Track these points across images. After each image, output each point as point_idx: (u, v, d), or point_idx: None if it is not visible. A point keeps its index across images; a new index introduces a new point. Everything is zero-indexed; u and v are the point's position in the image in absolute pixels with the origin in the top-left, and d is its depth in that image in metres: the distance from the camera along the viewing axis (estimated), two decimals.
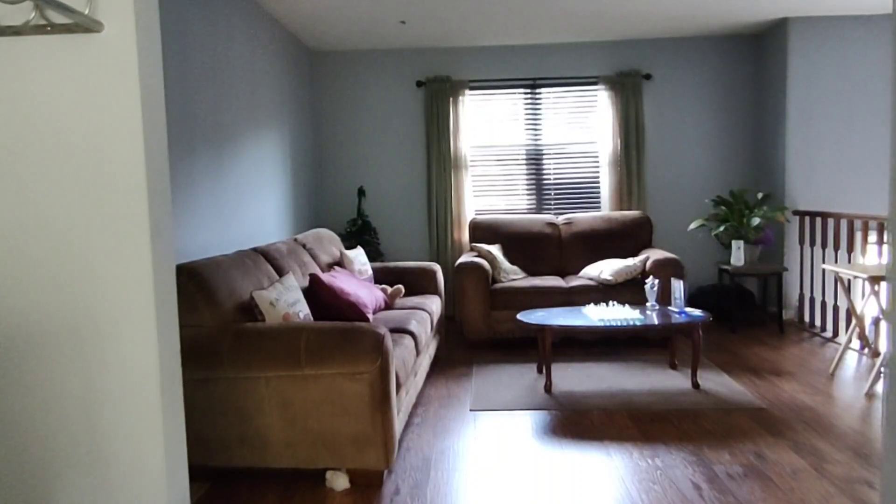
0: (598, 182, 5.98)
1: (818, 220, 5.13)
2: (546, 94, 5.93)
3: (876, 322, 4.37)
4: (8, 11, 1.62)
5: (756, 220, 5.13)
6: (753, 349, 4.70)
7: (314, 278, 3.55)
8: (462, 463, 2.93)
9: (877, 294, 3.92)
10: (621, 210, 5.83)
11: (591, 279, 4.95)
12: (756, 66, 5.86)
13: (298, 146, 5.49)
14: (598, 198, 5.98)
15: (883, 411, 1.60)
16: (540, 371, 4.24)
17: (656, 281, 4.20)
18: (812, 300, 5.23)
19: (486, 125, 5.99)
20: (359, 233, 5.78)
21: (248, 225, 4.32)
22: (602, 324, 3.81)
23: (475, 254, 5.23)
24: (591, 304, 4.23)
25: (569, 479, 2.76)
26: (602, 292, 4.72)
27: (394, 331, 3.48)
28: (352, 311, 3.49)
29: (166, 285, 1.79)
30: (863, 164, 5.34)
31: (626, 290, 4.73)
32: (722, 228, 5.32)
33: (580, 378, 4.07)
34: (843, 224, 4.85)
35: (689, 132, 5.95)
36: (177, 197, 3.29)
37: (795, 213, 5.38)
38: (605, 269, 4.91)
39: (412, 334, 3.50)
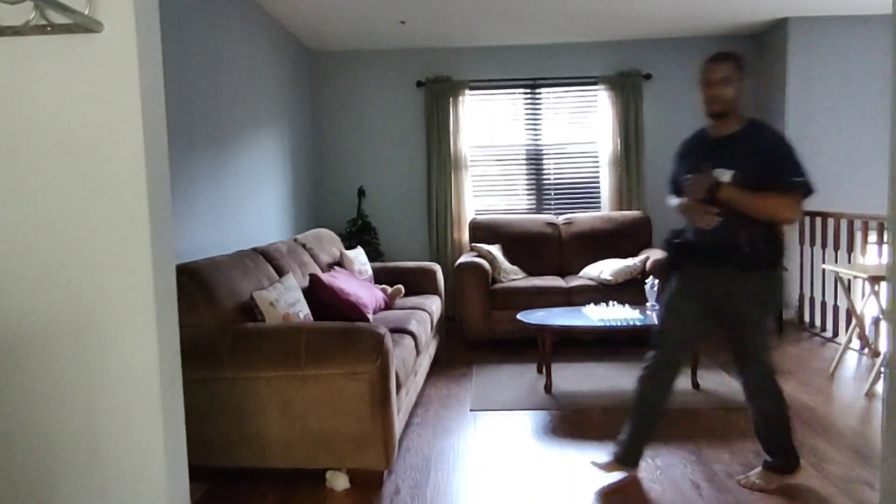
0: (598, 182, 5.98)
1: (818, 219, 5.13)
2: (546, 94, 5.93)
3: (876, 322, 4.37)
4: (8, 11, 1.61)
5: None
6: None
7: (314, 278, 3.55)
8: (462, 463, 2.93)
9: (877, 294, 3.92)
10: (621, 210, 5.83)
11: (591, 279, 4.95)
12: (756, 65, 5.85)
13: (298, 146, 5.49)
14: (598, 198, 5.98)
15: (883, 411, 1.60)
16: (540, 371, 4.24)
17: (656, 281, 4.19)
18: (812, 300, 5.23)
19: (486, 125, 5.99)
20: (359, 233, 5.78)
21: (248, 225, 4.32)
22: (602, 324, 3.81)
23: (475, 254, 5.23)
24: (591, 304, 4.23)
25: (569, 478, 2.76)
26: (602, 292, 4.72)
27: (394, 331, 3.47)
28: (352, 311, 3.49)
29: (166, 285, 1.79)
30: (862, 164, 5.34)
31: (626, 289, 4.72)
32: None
33: (580, 378, 4.07)
34: (843, 224, 4.84)
35: (688, 132, 5.92)
36: (177, 197, 3.29)
37: None
38: (605, 269, 4.91)
39: (412, 334, 3.50)
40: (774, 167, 2.35)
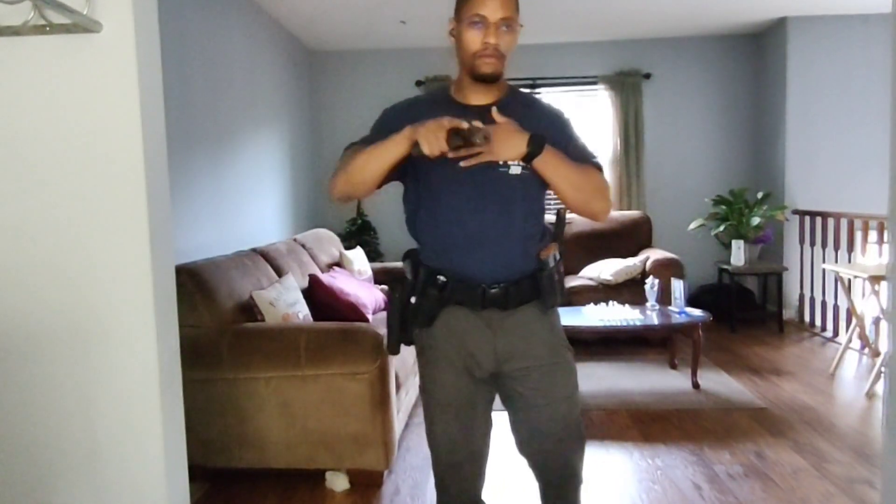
0: None
1: (818, 219, 5.13)
2: (546, 93, 5.92)
3: (876, 322, 4.36)
4: (7, 11, 1.61)
5: (756, 220, 5.13)
6: (753, 349, 4.70)
7: (314, 279, 3.55)
8: None
9: (877, 294, 3.91)
10: (621, 210, 5.82)
11: (591, 279, 4.95)
12: (755, 65, 5.85)
13: (298, 146, 5.49)
14: None
15: (883, 411, 1.60)
16: None
17: (656, 281, 4.19)
18: (812, 300, 5.23)
19: None
20: (358, 233, 5.77)
21: (247, 225, 4.31)
22: (602, 324, 3.81)
23: None
24: (592, 305, 4.23)
25: None
26: (602, 292, 4.71)
27: None
28: (351, 311, 3.49)
29: (166, 286, 1.79)
30: (862, 164, 5.33)
31: (627, 290, 4.72)
32: (722, 228, 5.32)
33: (580, 378, 4.05)
34: (843, 223, 4.84)
35: (688, 131, 5.94)
36: (176, 197, 3.27)
37: (795, 212, 5.38)
38: (605, 269, 4.91)
39: None
40: (570, 146, 1.57)
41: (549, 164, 1.47)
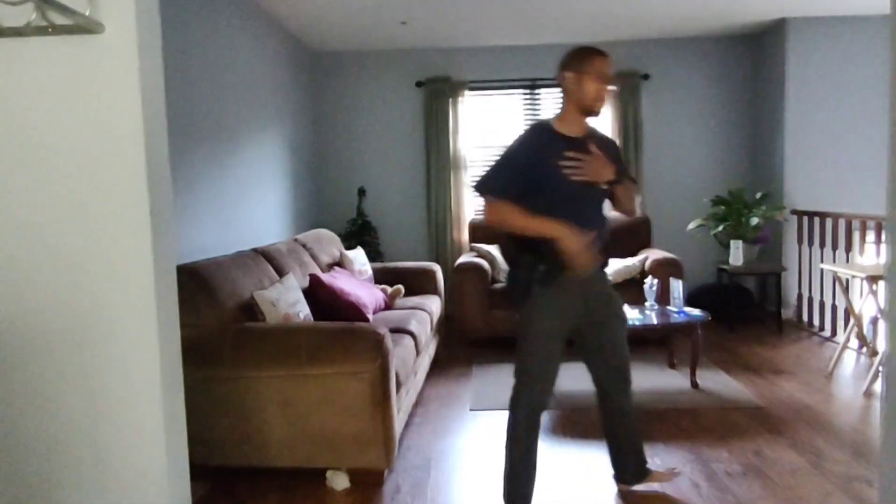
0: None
1: (816, 219, 5.14)
2: (545, 94, 5.93)
3: (874, 321, 4.38)
4: (9, 12, 1.62)
5: (755, 220, 5.14)
6: (752, 348, 4.72)
7: (314, 279, 3.56)
8: (462, 462, 2.94)
9: (875, 293, 3.93)
10: None
11: None
12: (754, 66, 5.87)
13: (299, 146, 5.50)
14: None
15: (881, 410, 1.61)
16: None
17: (655, 281, 4.20)
18: (810, 299, 5.24)
19: (486, 125, 5.99)
20: (359, 233, 5.79)
21: (248, 225, 4.32)
22: None
23: (475, 254, 5.23)
24: None
25: (569, 477, 2.76)
26: None
27: (394, 331, 3.48)
28: (352, 311, 3.50)
29: (168, 286, 1.80)
30: (860, 164, 5.35)
31: (626, 289, 4.70)
32: (720, 228, 5.33)
33: (580, 377, 4.06)
34: (842, 224, 4.85)
35: (687, 132, 5.96)
36: (177, 197, 3.30)
37: (794, 212, 5.39)
38: None
39: (412, 334, 3.50)
40: (622, 163, 2.45)
41: (622, 185, 2.31)
